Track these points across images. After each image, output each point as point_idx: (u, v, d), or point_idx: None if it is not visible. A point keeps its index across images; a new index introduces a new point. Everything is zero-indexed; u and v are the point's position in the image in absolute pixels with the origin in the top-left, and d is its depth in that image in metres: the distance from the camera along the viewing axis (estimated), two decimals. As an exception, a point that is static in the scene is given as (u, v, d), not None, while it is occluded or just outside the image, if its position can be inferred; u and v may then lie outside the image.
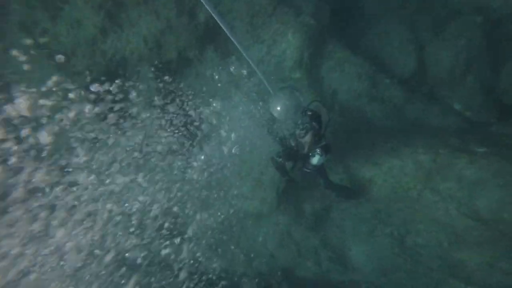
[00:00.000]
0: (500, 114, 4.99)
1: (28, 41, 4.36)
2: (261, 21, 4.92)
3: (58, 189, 3.55)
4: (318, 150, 3.58)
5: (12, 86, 3.59)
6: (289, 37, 4.90)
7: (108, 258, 3.86)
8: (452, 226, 4.04)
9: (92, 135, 4.00)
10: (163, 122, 4.71)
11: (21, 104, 3.19)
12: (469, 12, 5.30)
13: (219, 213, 5.10)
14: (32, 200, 3.39)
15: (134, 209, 4.19)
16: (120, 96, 4.39)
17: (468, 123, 5.05)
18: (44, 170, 3.41)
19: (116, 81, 4.35)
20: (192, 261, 4.87)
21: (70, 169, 3.76)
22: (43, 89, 3.68)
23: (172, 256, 4.73)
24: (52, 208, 3.53)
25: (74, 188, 3.70)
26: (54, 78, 3.78)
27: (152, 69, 4.97)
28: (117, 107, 4.26)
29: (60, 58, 4.16)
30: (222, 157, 4.79)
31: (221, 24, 2.35)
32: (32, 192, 3.38)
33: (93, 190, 3.83)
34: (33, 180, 3.33)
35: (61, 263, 3.64)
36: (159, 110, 4.79)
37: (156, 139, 4.61)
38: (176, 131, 4.79)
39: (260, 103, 4.65)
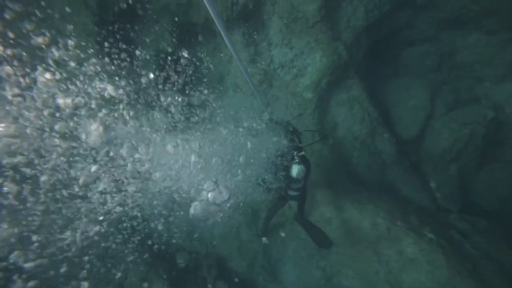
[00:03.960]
0: (462, 207, 5.36)
1: None
2: (298, 29, 4.70)
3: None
4: (296, 159, 3.34)
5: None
6: (317, 57, 4.76)
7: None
8: (374, 287, 4.47)
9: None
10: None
11: None
12: (486, 105, 5.41)
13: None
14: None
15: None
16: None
17: (433, 204, 5.39)
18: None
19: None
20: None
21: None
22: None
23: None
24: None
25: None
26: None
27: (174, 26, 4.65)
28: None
29: None
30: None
31: (217, 24, 1.99)
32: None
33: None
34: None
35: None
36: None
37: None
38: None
39: None
